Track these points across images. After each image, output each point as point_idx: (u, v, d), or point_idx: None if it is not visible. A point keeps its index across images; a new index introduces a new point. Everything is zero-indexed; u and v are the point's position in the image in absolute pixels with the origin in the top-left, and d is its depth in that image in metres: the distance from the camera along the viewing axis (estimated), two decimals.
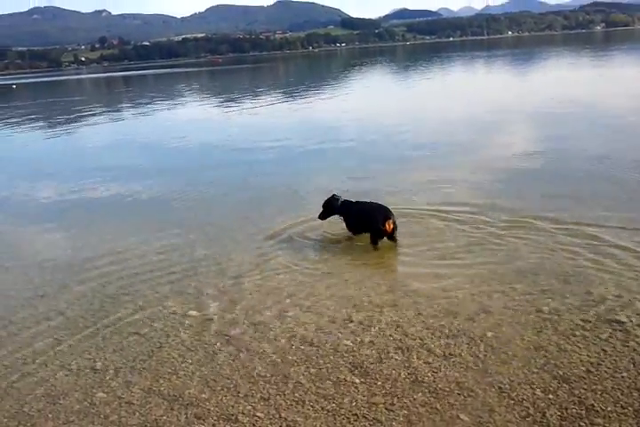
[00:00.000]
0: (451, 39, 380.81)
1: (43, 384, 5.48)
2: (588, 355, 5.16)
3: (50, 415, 5.01)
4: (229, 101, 36.75)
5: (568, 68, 44.29)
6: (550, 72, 42.73)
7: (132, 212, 11.41)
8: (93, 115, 34.03)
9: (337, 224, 8.82)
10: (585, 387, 4.72)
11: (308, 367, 5.37)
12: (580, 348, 5.29)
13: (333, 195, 8.78)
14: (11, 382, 5.57)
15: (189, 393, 5.13)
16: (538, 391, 4.71)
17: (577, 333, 5.54)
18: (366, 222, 8.14)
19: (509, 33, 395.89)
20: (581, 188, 10.37)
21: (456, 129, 18.49)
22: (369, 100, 30.63)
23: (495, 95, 28.63)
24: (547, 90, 28.08)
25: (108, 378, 5.48)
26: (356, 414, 4.63)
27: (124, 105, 40.44)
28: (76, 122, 30.96)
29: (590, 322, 5.72)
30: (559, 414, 4.42)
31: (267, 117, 25.64)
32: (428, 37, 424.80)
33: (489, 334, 5.65)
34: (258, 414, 4.76)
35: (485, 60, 69.56)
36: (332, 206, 8.66)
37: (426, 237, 8.32)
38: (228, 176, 14.04)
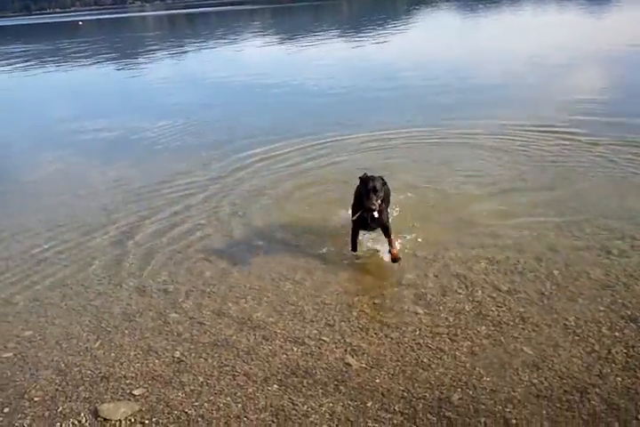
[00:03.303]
0: None
1: (118, 303, 5.77)
2: None
3: (126, 331, 5.29)
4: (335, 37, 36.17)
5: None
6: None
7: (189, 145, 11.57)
8: (159, 51, 34.08)
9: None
10: None
11: (371, 297, 5.48)
12: None
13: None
14: (89, 300, 5.87)
15: (257, 317, 5.32)
16: (604, 329, 4.71)
17: None
18: None
19: None
20: None
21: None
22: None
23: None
24: None
25: (180, 300, 5.73)
26: (419, 343, 4.74)
27: (187, 42, 40.30)
28: (141, 59, 31.12)
29: None
30: (625, 351, 4.42)
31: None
32: None
33: (555, 272, 5.62)
34: (323, 338, 4.92)
35: None
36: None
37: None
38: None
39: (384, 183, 5.95)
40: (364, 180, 5.83)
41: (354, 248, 6.25)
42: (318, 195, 8.17)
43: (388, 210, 6.38)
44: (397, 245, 6.11)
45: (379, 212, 5.76)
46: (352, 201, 6.24)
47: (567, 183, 7.81)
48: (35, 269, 6.59)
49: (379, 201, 5.71)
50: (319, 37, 32.67)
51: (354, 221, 6.08)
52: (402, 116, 12.31)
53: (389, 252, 5.96)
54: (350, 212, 6.24)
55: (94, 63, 28.16)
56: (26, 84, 23.98)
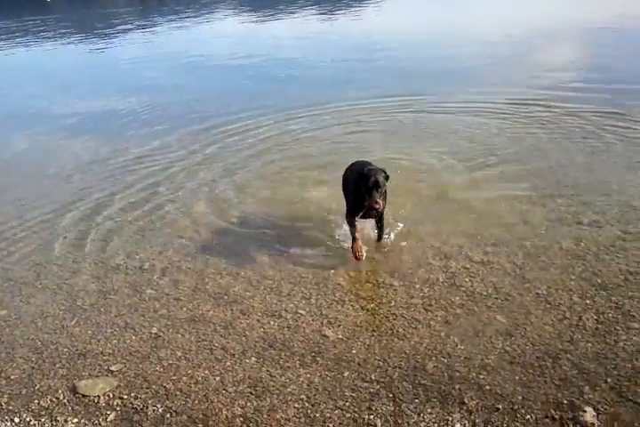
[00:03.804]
0: None
1: (93, 281, 5.74)
2: (626, 264, 5.19)
3: (102, 309, 5.29)
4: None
5: None
6: None
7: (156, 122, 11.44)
8: (130, 30, 33.39)
9: None
10: (622, 294, 4.79)
11: (347, 271, 5.52)
12: (618, 257, 5.32)
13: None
14: (64, 279, 5.84)
15: (234, 292, 5.35)
16: (575, 297, 4.80)
17: (616, 243, 5.55)
18: None
19: None
20: None
21: None
22: None
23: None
24: None
25: (155, 277, 5.72)
26: (394, 314, 4.80)
27: (160, 19, 39.53)
28: (110, 36, 30.50)
29: (630, 233, 5.71)
30: (595, 318, 4.52)
31: None
32: None
33: (527, 243, 5.70)
34: (300, 311, 4.97)
35: None
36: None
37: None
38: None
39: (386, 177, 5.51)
40: (365, 174, 5.32)
41: (355, 239, 5.55)
42: (289, 170, 8.20)
43: None
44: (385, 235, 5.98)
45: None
46: (341, 183, 6.20)
47: (541, 155, 7.87)
48: (7, 249, 6.52)
49: (382, 197, 5.31)
50: (294, 14, 32.25)
51: (349, 212, 5.67)
52: (375, 89, 12.24)
53: (378, 238, 5.94)
54: (344, 199, 5.99)
55: (63, 42, 27.53)
56: None
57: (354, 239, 5.53)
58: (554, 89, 11.12)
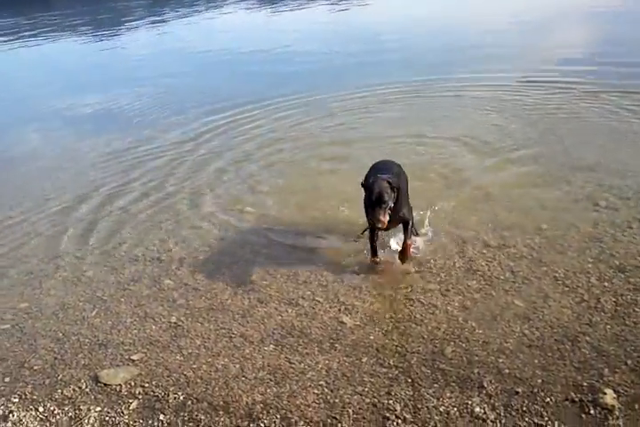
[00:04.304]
0: None
1: (112, 273, 5.80)
2: None
3: (122, 300, 5.34)
4: None
5: None
6: None
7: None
8: (139, 22, 33.38)
9: None
10: None
11: (363, 258, 5.52)
12: (636, 239, 5.28)
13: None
14: (82, 271, 5.90)
15: (251, 280, 5.37)
16: (593, 279, 4.78)
17: (633, 225, 5.51)
18: None
19: None
20: None
21: None
22: None
23: None
24: None
25: (173, 267, 5.76)
26: (411, 299, 4.81)
27: (169, 11, 39.46)
28: (120, 29, 30.51)
29: None
30: (614, 300, 4.50)
31: None
32: None
33: (544, 226, 5.67)
34: (317, 298, 4.99)
35: None
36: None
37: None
38: None
39: (399, 173, 5.24)
40: (368, 187, 4.83)
41: (374, 253, 5.38)
42: (301, 158, 8.27)
43: None
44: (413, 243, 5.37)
45: (396, 208, 4.88)
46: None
47: (556, 137, 7.82)
48: (27, 242, 6.59)
49: (388, 212, 4.74)
50: (305, 5, 32.10)
51: (366, 212, 5.09)
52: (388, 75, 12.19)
53: (401, 251, 5.23)
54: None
55: (74, 37, 27.59)
56: (1, 60, 23.53)
57: (371, 246, 5.33)
58: (569, 69, 11.02)
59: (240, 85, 13.31)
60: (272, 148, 8.73)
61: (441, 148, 7.93)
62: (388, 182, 4.79)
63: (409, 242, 5.16)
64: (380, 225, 4.72)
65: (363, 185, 4.94)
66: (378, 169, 5.35)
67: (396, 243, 5.56)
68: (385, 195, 4.68)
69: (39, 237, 6.71)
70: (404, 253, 5.17)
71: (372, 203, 4.73)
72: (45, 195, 7.90)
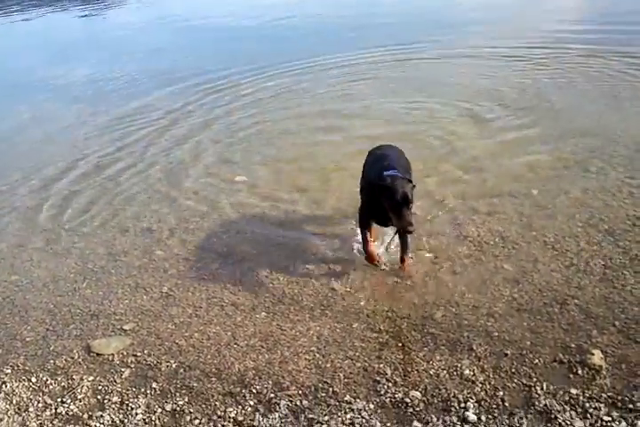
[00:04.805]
0: None
1: (103, 244, 5.78)
2: (634, 210, 5.17)
3: (112, 271, 5.33)
4: None
5: None
6: None
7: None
8: None
9: None
10: (629, 239, 4.78)
11: (352, 226, 5.49)
12: (625, 203, 5.29)
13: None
14: (73, 243, 5.88)
15: (241, 250, 5.37)
16: (582, 243, 4.80)
17: (623, 190, 5.52)
18: None
19: None
20: None
21: None
22: None
23: None
24: None
25: (164, 238, 5.75)
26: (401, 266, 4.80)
27: None
28: (108, 3, 29.96)
29: (637, 179, 5.66)
30: (603, 263, 4.52)
31: None
32: None
33: (534, 191, 5.67)
34: (307, 266, 5.01)
35: None
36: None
37: None
38: None
39: (405, 166, 4.75)
40: (389, 187, 4.17)
41: (373, 255, 4.73)
42: (291, 125, 8.21)
43: None
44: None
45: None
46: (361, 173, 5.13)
47: (547, 101, 7.85)
48: (16, 217, 6.55)
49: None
50: None
51: (363, 214, 4.73)
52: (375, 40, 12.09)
53: (400, 259, 4.75)
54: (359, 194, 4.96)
55: (59, 8, 27.09)
56: None
57: (365, 244, 4.73)
58: (562, 33, 10.99)
59: (229, 54, 13.18)
60: (262, 116, 8.69)
61: (428, 110, 7.93)
62: (409, 181, 4.32)
63: (407, 260, 4.71)
64: (412, 229, 4.18)
65: (372, 184, 4.39)
66: (378, 158, 4.82)
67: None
68: (410, 194, 4.16)
69: (29, 210, 6.66)
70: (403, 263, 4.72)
71: (399, 204, 4.12)
72: (34, 167, 7.84)
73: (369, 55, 11.05)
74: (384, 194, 4.19)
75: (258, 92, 9.83)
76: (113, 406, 3.74)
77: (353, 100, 8.88)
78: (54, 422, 3.66)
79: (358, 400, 3.54)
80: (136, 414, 3.65)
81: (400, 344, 3.96)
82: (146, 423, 3.58)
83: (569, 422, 3.20)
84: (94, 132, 8.98)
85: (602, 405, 3.30)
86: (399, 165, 4.68)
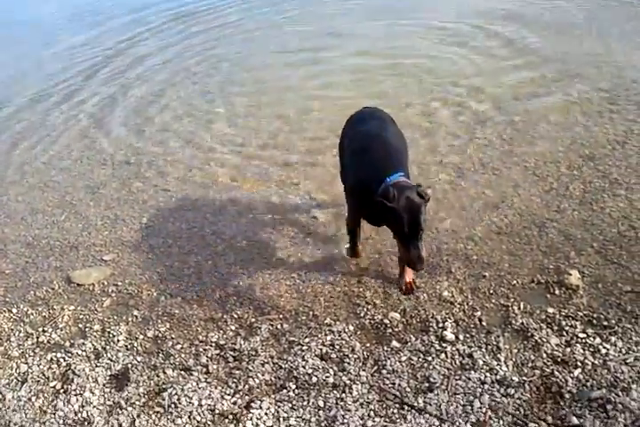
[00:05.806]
0: None
1: (81, 177, 5.70)
2: (614, 134, 5.14)
3: (91, 203, 5.27)
4: None
5: None
6: None
7: None
8: None
9: None
10: (609, 163, 4.77)
11: (332, 165, 5.43)
12: (606, 128, 5.26)
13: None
14: (50, 176, 5.79)
15: (222, 181, 5.31)
16: (562, 168, 4.79)
17: (605, 115, 5.47)
18: None
19: None
20: None
21: None
22: None
23: None
24: None
25: (142, 170, 5.67)
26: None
27: None
28: None
29: (619, 105, 5.61)
30: (582, 187, 4.52)
31: None
32: None
33: (516, 118, 5.61)
34: (289, 195, 4.98)
35: None
36: None
37: None
38: None
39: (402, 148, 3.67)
40: (396, 210, 3.03)
41: (355, 253, 4.07)
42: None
43: None
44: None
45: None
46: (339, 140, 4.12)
47: (528, 26, 7.73)
48: None
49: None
50: None
51: (353, 211, 3.86)
52: None
53: (400, 278, 3.75)
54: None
55: None
56: None
57: (353, 244, 4.03)
58: None
59: None
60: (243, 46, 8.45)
61: (410, 34, 7.83)
62: (419, 195, 3.09)
63: (409, 279, 3.72)
64: (421, 268, 3.17)
65: (368, 193, 3.26)
66: (371, 145, 3.57)
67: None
68: (423, 218, 3.07)
69: (2, 143, 6.52)
70: (406, 281, 3.72)
71: (408, 235, 3.08)
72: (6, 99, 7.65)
73: None
74: (389, 217, 3.15)
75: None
76: (94, 333, 3.76)
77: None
78: (36, 351, 3.69)
79: (338, 323, 3.58)
80: (118, 340, 3.68)
81: (380, 269, 3.98)
82: (128, 349, 3.61)
83: (545, 340, 3.26)
84: (72, 57, 8.71)
85: (578, 322, 3.36)
86: (398, 152, 3.57)
